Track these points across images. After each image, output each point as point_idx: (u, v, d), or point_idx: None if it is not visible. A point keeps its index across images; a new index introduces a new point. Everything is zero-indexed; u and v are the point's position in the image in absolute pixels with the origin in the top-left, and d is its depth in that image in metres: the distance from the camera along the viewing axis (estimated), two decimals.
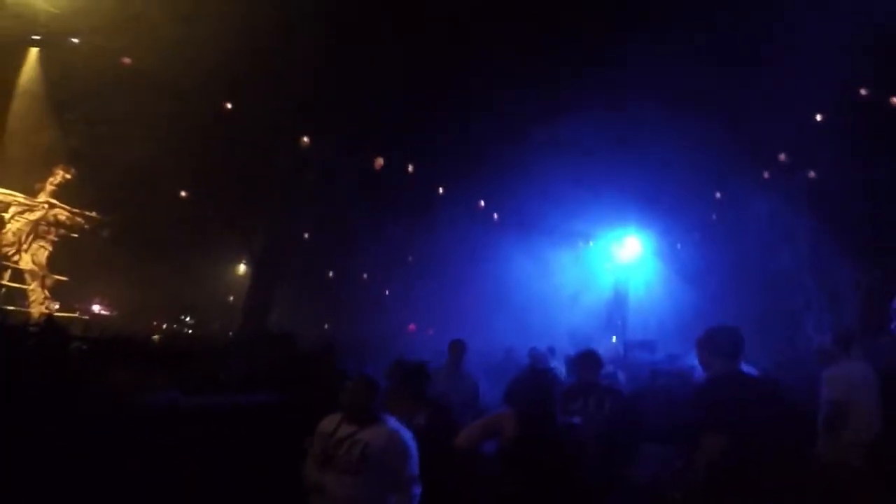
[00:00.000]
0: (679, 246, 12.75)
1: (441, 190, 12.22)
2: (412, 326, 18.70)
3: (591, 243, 13.42)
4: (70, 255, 12.27)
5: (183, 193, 11.77)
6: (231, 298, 20.96)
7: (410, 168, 11.22)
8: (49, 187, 11.07)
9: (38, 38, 10.04)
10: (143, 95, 9.94)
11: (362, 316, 16.34)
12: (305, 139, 10.55)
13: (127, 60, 9.46)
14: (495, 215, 12.40)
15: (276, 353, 4.46)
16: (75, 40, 9.76)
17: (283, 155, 11.73)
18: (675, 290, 11.49)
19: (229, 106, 10.22)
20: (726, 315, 10.17)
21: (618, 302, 12.64)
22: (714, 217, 12.62)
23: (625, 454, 3.41)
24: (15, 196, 10.84)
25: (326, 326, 20.64)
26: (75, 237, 11.54)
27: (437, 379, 4.72)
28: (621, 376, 7.02)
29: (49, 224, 11.18)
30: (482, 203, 12.01)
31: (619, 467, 3.34)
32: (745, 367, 2.79)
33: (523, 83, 9.90)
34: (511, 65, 9.79)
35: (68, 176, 10.92)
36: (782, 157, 11.61)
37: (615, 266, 12.87)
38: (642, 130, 11.20)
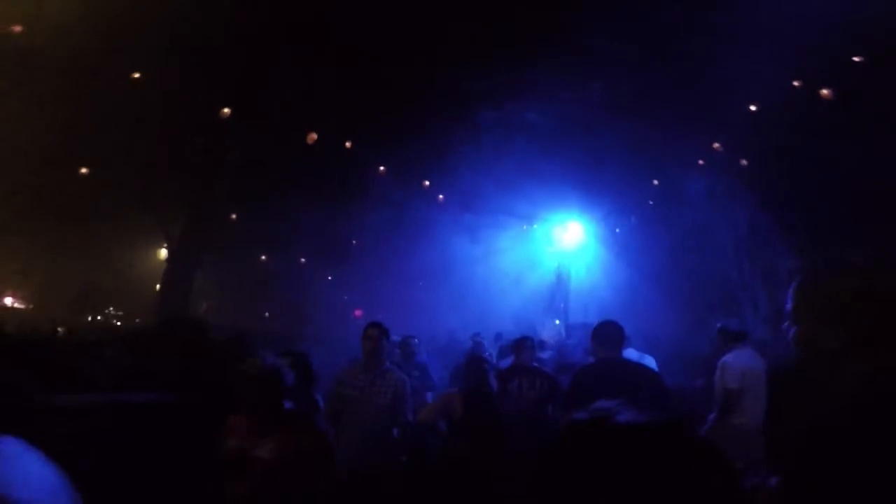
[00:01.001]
0: (618, 230, 12.98)
1: (382, 169, 11.70)
2: (358, 312, 18.15)
3: (534, 226, 13.41)
4: None
5: (84, 170, 10.53)
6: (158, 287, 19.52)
7: (348, 144, 10.57)
8: None
9: None
10: (42, 66, 8.69)
11: (305, 303, 15.62)
12: (226, 110, 9.61)
13: (17, 28, 8.18)
14: (440, 196, 12.06)
15: (176, 344, 3.89)
16: None
17: (201, 130, 10.70)
18: (615, 273, 11.71)
19: (137, 75, 9.13)
20: (664, 297, 10.45)
21: (560, 285, 12.73)
22: (651, 203, 12.94)
23: (553, 426, 3.87)
24: None
25: (267, 315, 19.71)
26: None
27: (350, 380, 3.75)
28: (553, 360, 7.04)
29: None
30: (427, 183, 11.61)
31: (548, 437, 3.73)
32: (630, 354, 3.52)
33: (468, 62, 9.54)
34: (456, 42, 9.37)
35: None
36: (717, 146, 12.06)
37: (558, 250, 12.94)
38: (585, 116, 11.21)
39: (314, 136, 9.92)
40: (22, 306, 17.98)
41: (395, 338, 5.74)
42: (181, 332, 4.38)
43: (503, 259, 13.19)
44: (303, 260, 16.10)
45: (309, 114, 10.48)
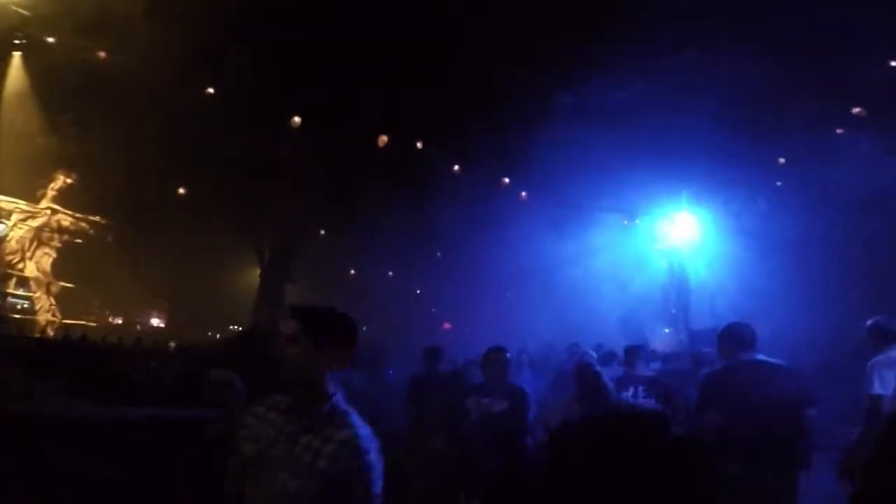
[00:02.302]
0: (741, 218, 11.08)
1: (463, 169, 11.02)
2: (447, 325, 17.67)
3: (637, 221, 11.91)
4: (90, 264, 12.00)
5: (181, 190, 11.16)
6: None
7: (419, 145, 10.07)
8: (50, 193, 10.85)
9: (19, 41, 9.66)
10: (133, 94, 9.36)
11: (394, 316, 15.45)
12: (297, 119, 9.59)
13: (102, 54, 8.90)
14: (523, 194, 11.11)
15: (233, 358, 3.50)
16: (51, 40, 9.32)
17: (284, 145, 10.82)
18: (744, 268, 9.78)
19: (211, 91, 9.46)
20: (812, 293, 8.60)
21: (675, 286, 11.06)
22: (779, 184, 11.00)
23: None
24: (17, 203, 10.69)
25: (365, 329, 19.98)
26: (80, 242, 11.27)
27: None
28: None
29: (52, 230, 10.98)
30: (506, 180, 10.74)
31: None
32: (762, 357, 3.19)
33: (549, 35, 8.55)
34: (535, 15, 8.44)
35: (69, 180, 10.64)
36: (858, 110, 10.10)
37: (668, 246, 11.30)
38: (685, 89, 9.73)
39: (384, 138, 9.58)
40: (163, 325, 19.70)
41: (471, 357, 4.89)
42: (242, 347, 4.04)
43: (600, 260, 11.79)
44: (390, 273, 16.01)
45: (384, 118, 10.18)
